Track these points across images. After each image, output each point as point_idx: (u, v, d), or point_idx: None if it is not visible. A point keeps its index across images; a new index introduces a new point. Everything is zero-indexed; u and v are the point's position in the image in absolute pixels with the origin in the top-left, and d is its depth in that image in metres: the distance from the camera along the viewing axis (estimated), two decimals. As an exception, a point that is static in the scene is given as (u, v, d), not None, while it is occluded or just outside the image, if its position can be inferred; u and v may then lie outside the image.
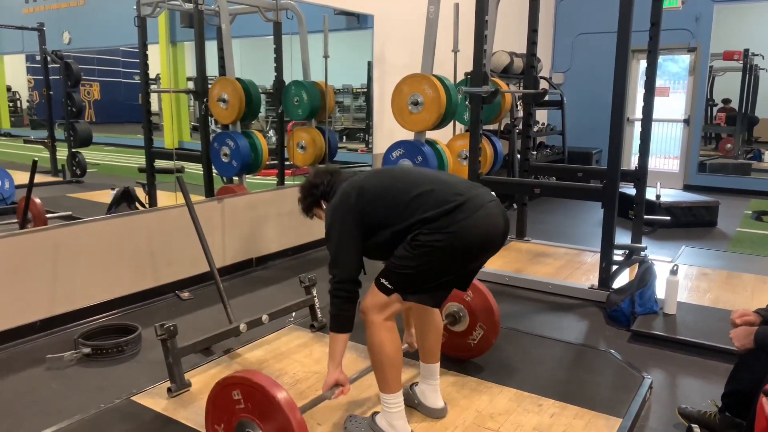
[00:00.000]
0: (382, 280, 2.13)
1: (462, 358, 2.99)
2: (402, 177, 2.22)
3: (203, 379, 2.81)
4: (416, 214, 2.06)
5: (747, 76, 9.09)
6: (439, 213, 2.03)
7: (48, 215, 3.80)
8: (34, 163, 3.66)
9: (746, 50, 8.90)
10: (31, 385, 2.82)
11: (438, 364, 2.49)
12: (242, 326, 3.01)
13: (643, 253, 4.15)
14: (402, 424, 2.24)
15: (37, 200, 3.68)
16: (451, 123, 5.57)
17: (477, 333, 2.90)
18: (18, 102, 4.59)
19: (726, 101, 9.59)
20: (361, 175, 2.28)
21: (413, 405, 2.50)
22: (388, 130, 5.76)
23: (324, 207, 2.38)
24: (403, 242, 2.08)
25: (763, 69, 9.35)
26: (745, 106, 9.25)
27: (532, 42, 5.19)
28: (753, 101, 9.40)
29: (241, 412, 1.97)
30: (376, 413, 2.35)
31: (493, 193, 2.21)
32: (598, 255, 4.08)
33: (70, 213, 4.05)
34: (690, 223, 6.26)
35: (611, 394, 2.77)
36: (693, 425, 2.42)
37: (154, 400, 2.63)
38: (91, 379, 2.88)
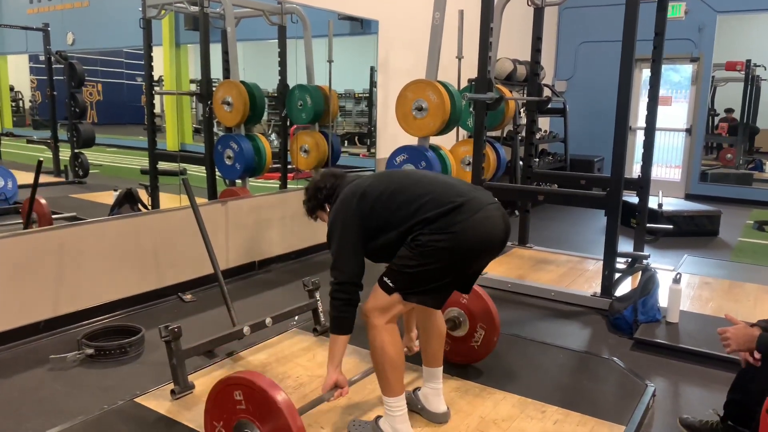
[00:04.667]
0: (385, 279, 2.16)
1: (468, 363, 3.00)
2: (403, 181, 2.24)
3: (206, 381, 2.80)
4: (417, 215, 2.08)
5: (749, 86, 9.11)
6: (438, 213, 2.06)
7: (54, 215, 3.81)
8: (39, 163, 3.66)
9: (748, 61, 8.93)
10: (34, 386, 2.82)
11: (441, 368, 2.50)
12: (246, 329, 3.00)
13: (645, 262, 4.16)
14: (405, 428, 2.24)
15: (43, 200, 3.68)
16: (455, 129, 5.59)
17: (479, 334, 2.93)
18: (21, 102, 4.59)
19: (729, 111, 9.61)
20: (364, 179, 2.30)
21: (416, 409, 2.50)
22: (391, 135, 5.77)
23: (327, 210, 2.40)
24: (405, 243, 2.11)
25: (765, 80, 9.37)
26: (746, 116, 9.27)
27: (536, 49, 5.20)
28: (755, 112, 9.42)
29: (242, 413, 1.98)
30: (379, 417, 2.36)
31: (495, 199, 2.23)
32: (601, 263, 4.08)
33: (74, 214, 4.05)
34: (692, 232, 6.26)
35: (614, 402, 2.77)
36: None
37: (158, 401, 2.63)
38: (94, 380, 2.88)
